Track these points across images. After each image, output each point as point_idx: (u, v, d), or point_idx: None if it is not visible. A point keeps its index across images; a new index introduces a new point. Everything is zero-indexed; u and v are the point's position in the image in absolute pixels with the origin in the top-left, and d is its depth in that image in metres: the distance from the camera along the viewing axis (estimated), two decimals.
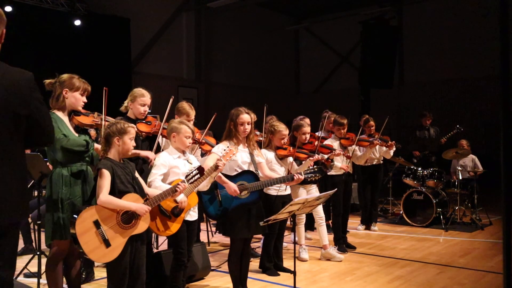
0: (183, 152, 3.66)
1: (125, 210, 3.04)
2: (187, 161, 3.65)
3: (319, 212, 5.32)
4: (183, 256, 3.64)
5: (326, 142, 5.64)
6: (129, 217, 3.06)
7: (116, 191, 3.05)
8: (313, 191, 5.25)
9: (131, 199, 3.07)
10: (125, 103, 4.06)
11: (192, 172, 3.36)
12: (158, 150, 4.02)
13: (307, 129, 5.10)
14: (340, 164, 5.64)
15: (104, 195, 2.99)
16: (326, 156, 5.12)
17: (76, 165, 3.30)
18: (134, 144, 3.24)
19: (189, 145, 3.64)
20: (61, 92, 3.33)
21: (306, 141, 5.09)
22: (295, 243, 3.83)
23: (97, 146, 3.38)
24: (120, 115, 4.02)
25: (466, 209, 7.53)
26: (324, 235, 5.34)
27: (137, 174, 3.28)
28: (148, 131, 4.00)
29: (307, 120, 5.49)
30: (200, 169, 3.35)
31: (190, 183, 3.36)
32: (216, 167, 3.50)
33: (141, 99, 3.99)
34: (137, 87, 4.17)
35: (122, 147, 3.13)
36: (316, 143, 5.11)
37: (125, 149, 3.15)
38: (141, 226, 3.10)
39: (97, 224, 2.97)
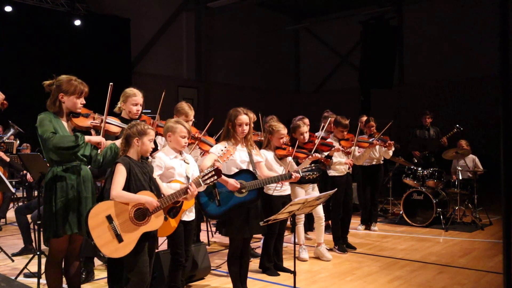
0: (180, 152, 3.65)
1: (136, 203, 3.05)
2: (184, 161, 3.64)
3: (318, 212, 5.33)
4: (180, 256, 3.64)
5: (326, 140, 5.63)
6: (142, 213, 3.07)
7: (131, 189, 3.07)
8: (312, 192, 5.25)
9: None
10: (118, 104, 4.05)
11: (208, 173, 3.33)
12: (156, 149, 4.01)
13: (304, 128, 5.08)
14: (344, 160, 5.61)
15: (116, 190, 3.01)
16: (325, 154, 5.12)
17: (71, 164, 3.28)
18: (153, 146, 3.26)
19: (184, 145, 3.62)
20: (57, 96, 3.29)
21: (306, 141, 5.08)
22: (295, 243, 3.83)
23: (89, 137, 3.29)
24: (115, 116, 4.00)
25: (466, 209, 7.53)
26: (320, 234, 5.37)
27: (155, 175, 3.29)
28: None
29: (306, 120, 5.48)
30: (217, 171, 3.33)
31: (206, 184, 3.36)
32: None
33: (132, 99, 3.98)
34: (138, 87, 4.16)
35: (141, 147, 3.18)
36: (316, 141, 5.11)
37: (144, 150, 3.19)
38: (154, 223, 3.11)
39: (109, 218, 2.99)
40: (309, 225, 6.44)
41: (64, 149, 3.16)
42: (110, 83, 3.41)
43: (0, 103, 3.13)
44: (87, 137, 3.26)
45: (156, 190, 3.21)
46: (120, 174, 3.05)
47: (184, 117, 4.52)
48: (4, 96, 3.13)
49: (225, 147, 3.77)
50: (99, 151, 3.39)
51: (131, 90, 4.03)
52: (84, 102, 3.39)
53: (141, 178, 3.13)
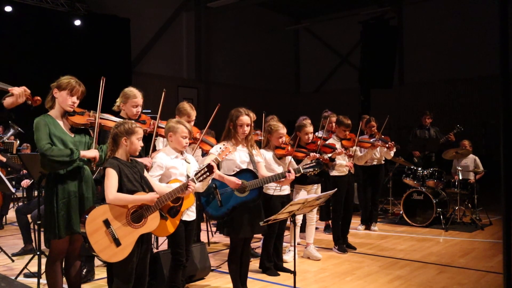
0: (181, 152, 3.65)
1: (135, 205, 3.04)
2: (185, 160, 3.64)
3: (310, 213, 5.35)
4: (181, 256, 3.63)
5: (328, 142, 5.64)
6: (139, 216, 3.06)
7: (124, 191, 3.05)
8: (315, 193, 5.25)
9: None
10: (117, 103, 4.02)
11: (201, 170, 3.35)
12: (155, 150, 4.01)
13: (310, 129, 5.11)
14: (345, 162, 5.61)
15: (112, 194, 2.99)
16: (326, 156, 5.12)
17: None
18: (142, 144, 3.22)
19: (185, 145, 3.62)
20: (51, 91, 3.33)
21: (309, 141, 5.08)
22: (295, 243, 3.83)
23: (83, 153, 3.28)
24: (114, 114, 3.99)
25: (466, 209, 7.53)
26: (310, 235, 5.38)
27: (145, 173, 3.28)
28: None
29: (308, 120, 5.50)
30: (209, 167, 3.35)
31: (200, 181, 3.37)
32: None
33: (133, 101, 3.93)
34: (137, 87, 4.13)
35: (130, 147, 3.14)
36: (318, 142, 5.12)
37: (132, 149, 3.15)
38: (151, 224, 3.10)
39: (107, 223, 2.97)
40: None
41: (58, 163, 3.17)
42: (102, 77, 3.41)
43: (27, 98, 3.04)
44: (82, 152, 3.25)
45: (148, 188, 3.19)
46: (112, 177, 3.02)
47: (186, 117, 4.51)
48: (29, 91, 3.05)
49: (223, 144, 3.78)
50: (92, 164, 3.38)
51: (131, 91, 3.97)
52: (76, 101, 3.37)
53: (132, 178, 3.10)
